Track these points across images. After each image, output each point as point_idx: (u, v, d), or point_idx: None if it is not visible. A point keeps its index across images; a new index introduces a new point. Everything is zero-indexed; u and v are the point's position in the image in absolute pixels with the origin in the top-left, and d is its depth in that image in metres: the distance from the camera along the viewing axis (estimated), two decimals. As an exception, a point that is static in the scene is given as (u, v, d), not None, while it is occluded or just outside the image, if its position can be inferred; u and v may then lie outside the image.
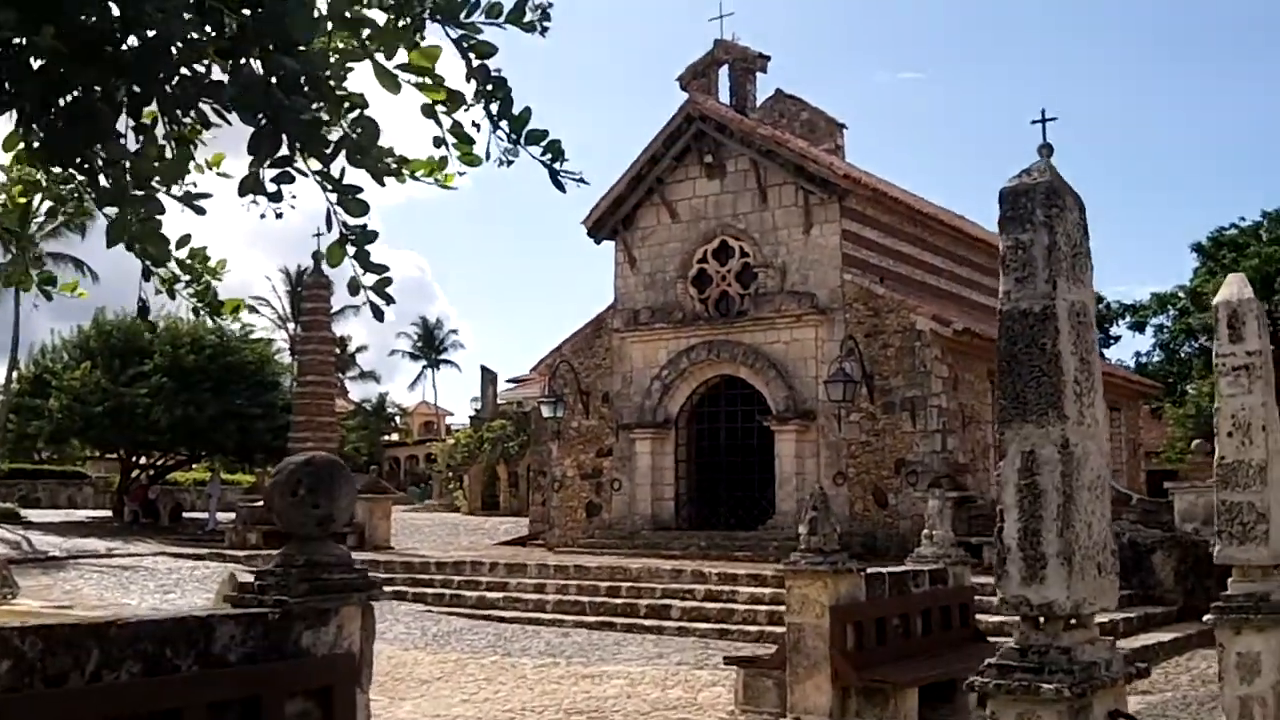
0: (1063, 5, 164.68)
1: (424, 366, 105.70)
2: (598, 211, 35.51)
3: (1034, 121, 29.52)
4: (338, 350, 61.24)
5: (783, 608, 23.17)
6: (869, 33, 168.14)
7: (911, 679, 13.13)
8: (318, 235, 39.50)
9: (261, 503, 37.42)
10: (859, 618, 13.46)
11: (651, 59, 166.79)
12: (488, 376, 73.42)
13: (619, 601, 25.19)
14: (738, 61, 35.74)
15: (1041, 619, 6.53)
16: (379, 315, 5.03)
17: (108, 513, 50.87)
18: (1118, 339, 63.43)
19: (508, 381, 75.73)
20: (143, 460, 51.26)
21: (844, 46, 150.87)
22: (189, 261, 5.71)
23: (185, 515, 49.51)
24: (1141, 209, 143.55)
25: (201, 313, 6.09)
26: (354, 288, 4.94)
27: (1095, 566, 6.69)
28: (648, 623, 23.84)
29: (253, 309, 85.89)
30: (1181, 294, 58.14)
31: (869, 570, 14.09)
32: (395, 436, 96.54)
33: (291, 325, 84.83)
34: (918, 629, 14.58)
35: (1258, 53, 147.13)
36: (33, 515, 47.39)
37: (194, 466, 57.77)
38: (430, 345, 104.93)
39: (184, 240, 5.55)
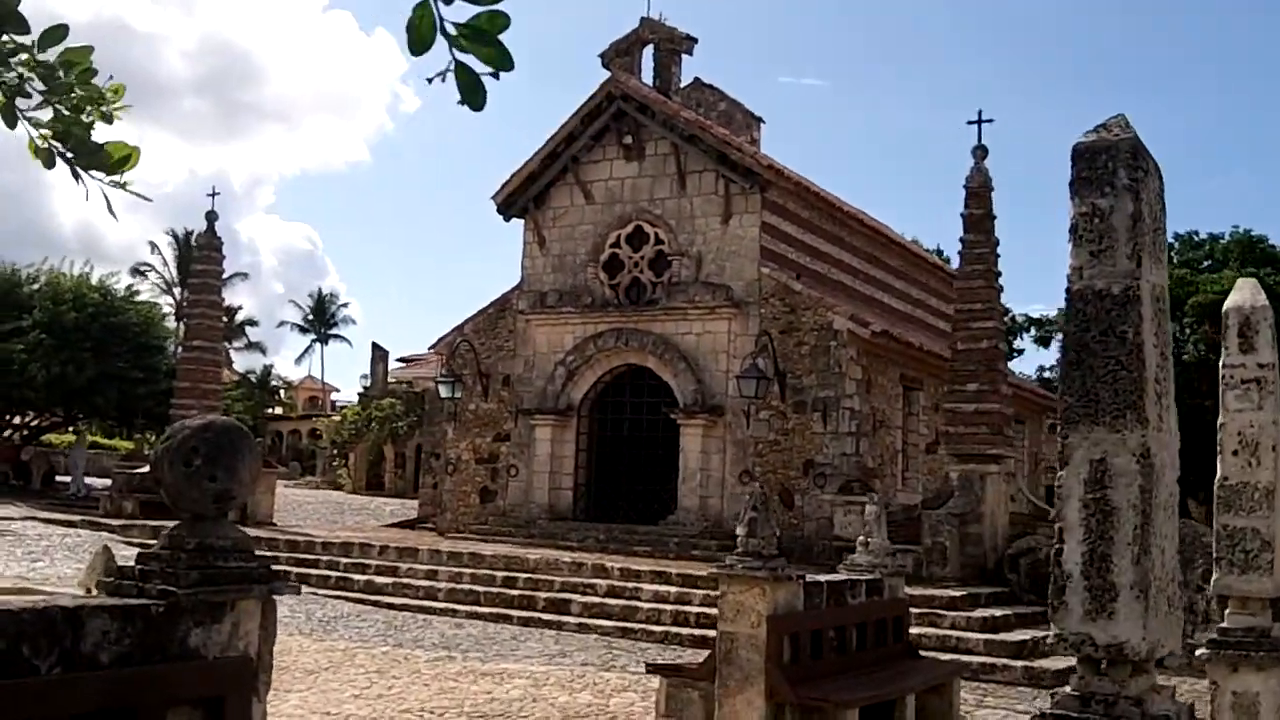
0: (966, 20, 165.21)
1: (313, 340, 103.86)
2: (508, 188, 34.26)
3: (970, 122, 29.10)
4: (225, 318, 59.45)
5: (688, 608, 22.52)
6: (776, 37, 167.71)
7: (853, 699, 12.05)
8: (212, 195, 38.34)
9: (140, 470, 35.95)
10: (796, 629, 12.36)
11: (573, 33, 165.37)
12: (378, 354, 72.02)
13: (515, 593, 24.03)
14: (663, 42, 34.54)
15: (1106, 662, 5.34)
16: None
17: (-25, 472, 48.99)
18: (1021, 352, 63.58)
19: (398, 360, 74.42)
20: (16, 420, 49.34)
21: (750, 47, 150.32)
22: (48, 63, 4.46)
23: (59, 479, 47.78)
24: (1049, 222, 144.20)
25: (79, 172, 4.67)
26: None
27: (1166, 601, 5.53)
28: (546, 617, 22.74)
29: (138, 272, 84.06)
30: (1088, 311, 57.76)
31: (807, 579, 12.94)
32: (279, 410, 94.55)
33: (178, 291, 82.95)
34: (854, 643, 13.49)
35: (1170, 68, 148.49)
36: (-105, 471, 45.50)
37: (69, 429, 55.82)
38: (321, 319, 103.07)
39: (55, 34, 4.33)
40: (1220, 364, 9.86)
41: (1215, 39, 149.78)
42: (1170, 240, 56.61)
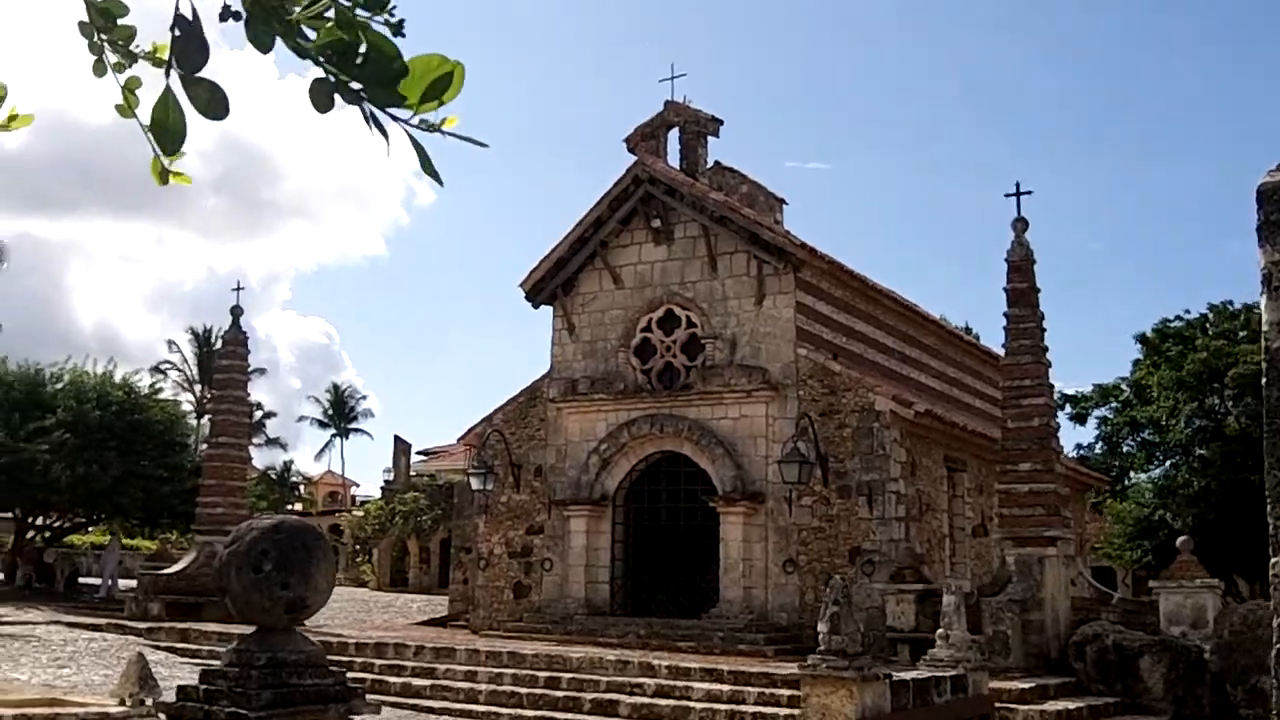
0: (981, 98, 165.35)
1: (332, 434, 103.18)
2: (536, 275, 33.69)
3: (1008, 195, 28.37)
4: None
5: (743, 707, 21.58)
6: (779, 124, 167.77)
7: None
8: (237, 290, 37.90)
9: (166, 570, 35.22)
10: (887, 735, 11.53)
11: (598, 119, 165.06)
12: (400, 447, 71.31)
13: (559, 694, 23.10)
14: (689, 124, 33.94)
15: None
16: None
17: (-1, 575, 48.22)
18: (1058, 429, 61.92)
19: (419, 453, 73.80)
20: (39, 520, 48.62)
21: (756, 134, 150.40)
22: None
23: (82, 580, 47.02)
24: (1083, 299, 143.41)
25: None
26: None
27: None
28: (593, 719, 21.77)
29: (159, 370, 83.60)
30: (1124, 386, 57.22)
31: (894, 677, 12.11)
32: (299, 506, 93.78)
33: (199, 388, 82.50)
34: (943, 747, 12.66)
35: (1196, 147, 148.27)
36: (-85, 576, 44.74)
37: (90, 529, 55.06)
38: (340, 413, 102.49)
39: None
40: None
41: (1212, 107, 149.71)
42: (1204, 311, 56.06)
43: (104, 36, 3.31)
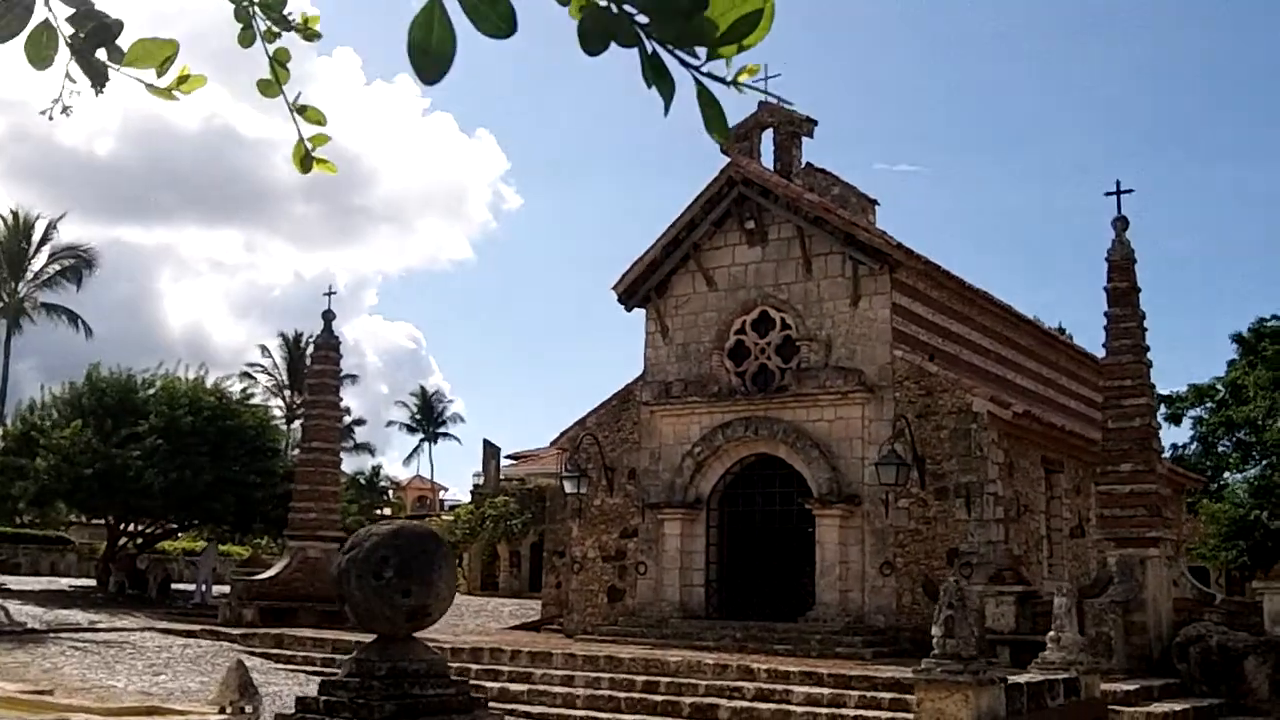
0: (1073, 101, 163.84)
1: (421, 439, 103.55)
2: (629, 278, 33.57)
3: (1108, 194, 28.06)
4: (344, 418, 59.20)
5: (843, 710, 21.28)
6: (868, 125, 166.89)
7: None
8: (329, 294, 37.93)
9: (260, 575, 35.36)
10: (1006, 740, 11.23)
11: (693, 121, 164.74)
12: (490, 451, 71.40)
13: (658, 699, 22.86)
14: (783, 124, 33.64)
15: None
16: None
17: (91, 582, 48.44)
18: (1159, 429, 61.16)
19: (508, 457, 73.85)
20: (132, 527, 48.85)
21: (843, 136, 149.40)
22: None
23: (174, 587, 47.21)
24: (1178, 298, 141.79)
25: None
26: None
27: None
28: (694, 724, 21.59)
29: (248, 375, 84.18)
30: (1220, 386, 56.50)
31: (1009, 681, 11.82)
32: (388, 511, 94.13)
33: (288, 392, 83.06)
34: (1062, 752, 12.36)
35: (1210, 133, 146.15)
36: (11, 582, 44.99)
37: (179, 535, 55.29)
38: (429, 417, 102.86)
39: None
40: None
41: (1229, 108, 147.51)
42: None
43: (254, 0, 3.11)
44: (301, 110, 3.35)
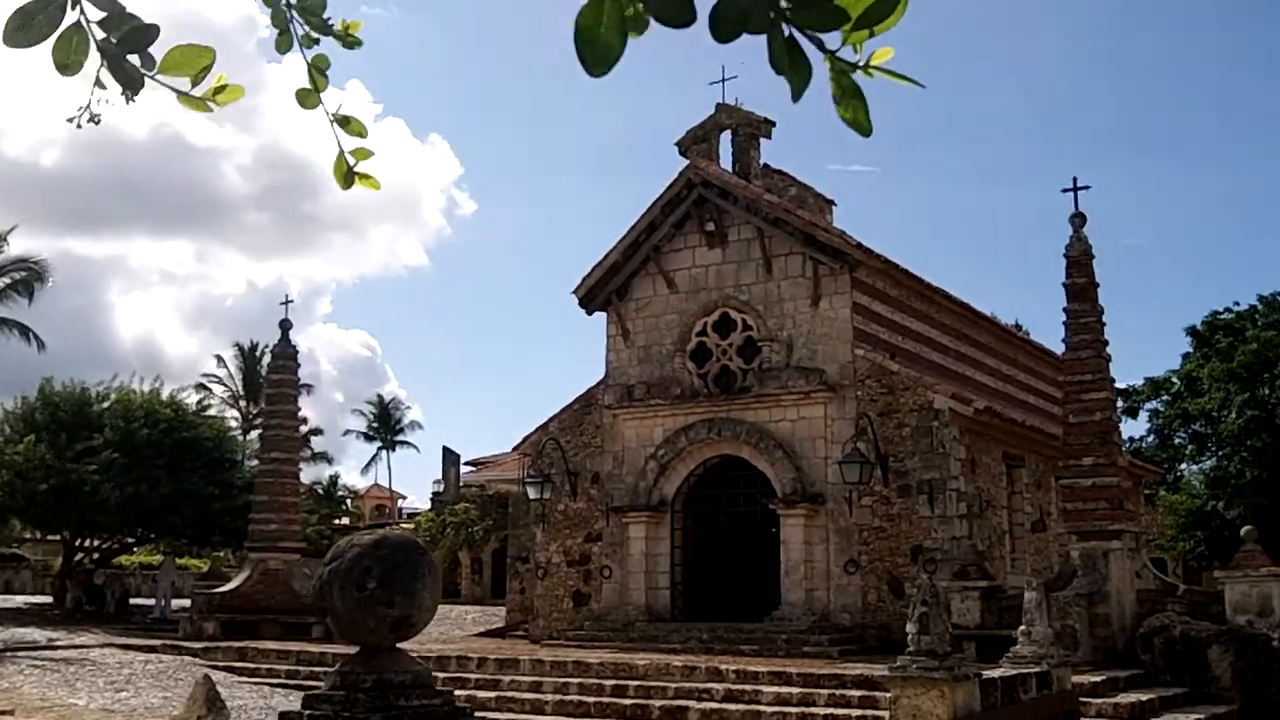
0: (1028, 99, 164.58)
1: (379, 447, 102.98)
2: (589, 281, 33.49)
3: (1065, 190, 28.27)
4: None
5: (814, 709, 21.27)
6: (816, 124, 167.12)
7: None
8: (285, 303, 37.64)
9: (220, 589, 35.08)
10: (983, 734, 11.22)
11: (648, 124, 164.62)
12: (449, 457, 71.18)
13: (627, 702, 22.80)
14: (741, 126, 33.66)
15: None
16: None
17: (48, 598, 48.08)
18: (1120, 423, 61.67)
19: (467, 464, 73.62)
20: (88, 542, 48.46)
21: (797, 137, 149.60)
22: None
23: (133, 602, 46.81)
24: (1133, 292, 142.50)
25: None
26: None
27: None
28: (664, 726, 21.54)
29: (204, 387, 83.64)
30: (1175, 379, 56.87)
31: (983, 676, 11.82)
32: (347, 521, 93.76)
33: (244, 403, 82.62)
34: (1037, 746, 12.36)
35: (1246, 137, 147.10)
36: (-35, 601, 44.63)
37: (135, 550, 54.86)
38: (386, 425, 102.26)
39: None
40: None
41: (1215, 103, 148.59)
42: (1253, 303, 55.65)
43: (292, 3, 3.03)
44: (344, 122, 3.26)
